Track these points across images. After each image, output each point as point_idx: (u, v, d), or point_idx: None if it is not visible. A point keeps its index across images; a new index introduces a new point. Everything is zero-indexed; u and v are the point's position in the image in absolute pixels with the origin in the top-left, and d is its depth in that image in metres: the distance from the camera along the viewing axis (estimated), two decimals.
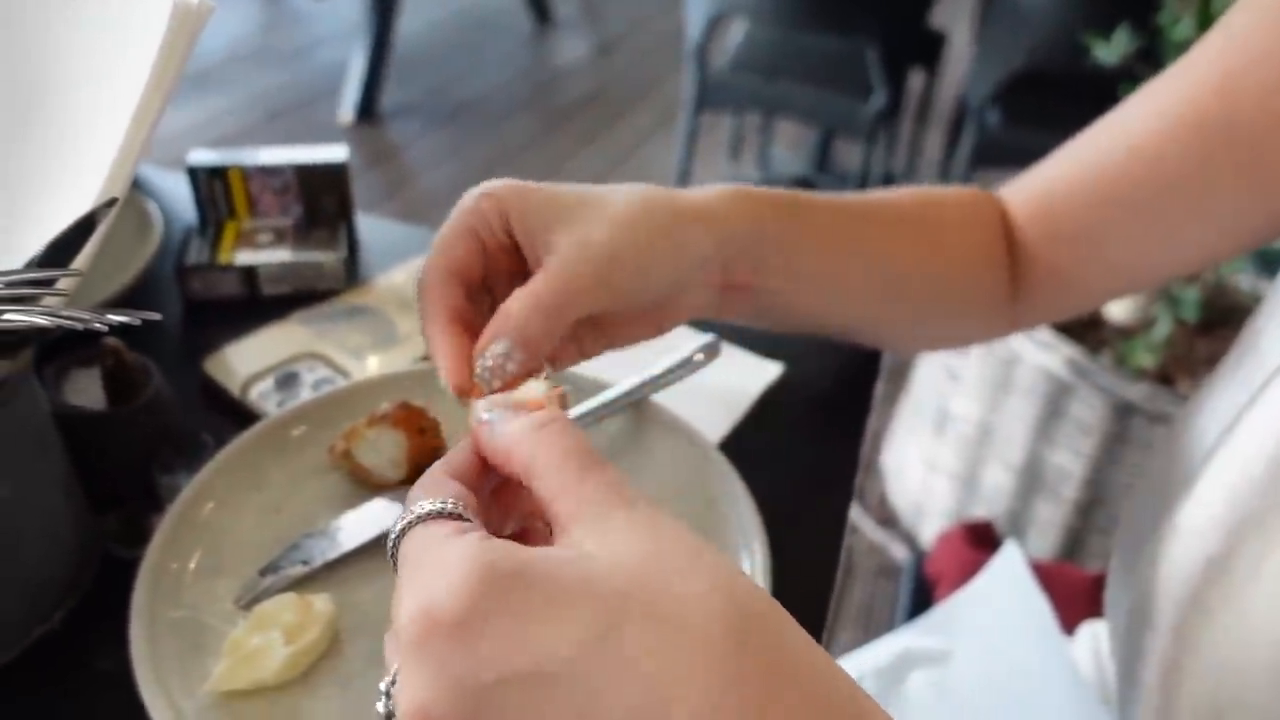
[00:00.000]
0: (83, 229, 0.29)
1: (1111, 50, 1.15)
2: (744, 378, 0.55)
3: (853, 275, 0.45)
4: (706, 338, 0.51)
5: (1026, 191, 0.50)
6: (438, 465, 0.28)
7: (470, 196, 0.37)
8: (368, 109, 2.99)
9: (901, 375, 1.87)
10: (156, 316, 0.29)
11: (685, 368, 0.50)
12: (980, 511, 1.51)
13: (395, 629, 0.23)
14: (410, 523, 0.25)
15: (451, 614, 0.22)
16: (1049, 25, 1.63)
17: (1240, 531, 0.31)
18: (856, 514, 1.68)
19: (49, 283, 0.29)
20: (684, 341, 0.50)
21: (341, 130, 2.94)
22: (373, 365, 0.55)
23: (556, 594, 0.22)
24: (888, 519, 1.68)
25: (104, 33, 0.32)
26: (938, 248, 0.48)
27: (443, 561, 0.23)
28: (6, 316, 0.27)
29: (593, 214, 0.36)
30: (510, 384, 0.32)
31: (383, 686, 0.24)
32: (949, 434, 1.54)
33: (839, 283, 0.45)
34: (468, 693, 0.21)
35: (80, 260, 0.29)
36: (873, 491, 1.74)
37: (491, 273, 0.37)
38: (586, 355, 0.40)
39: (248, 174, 0.63)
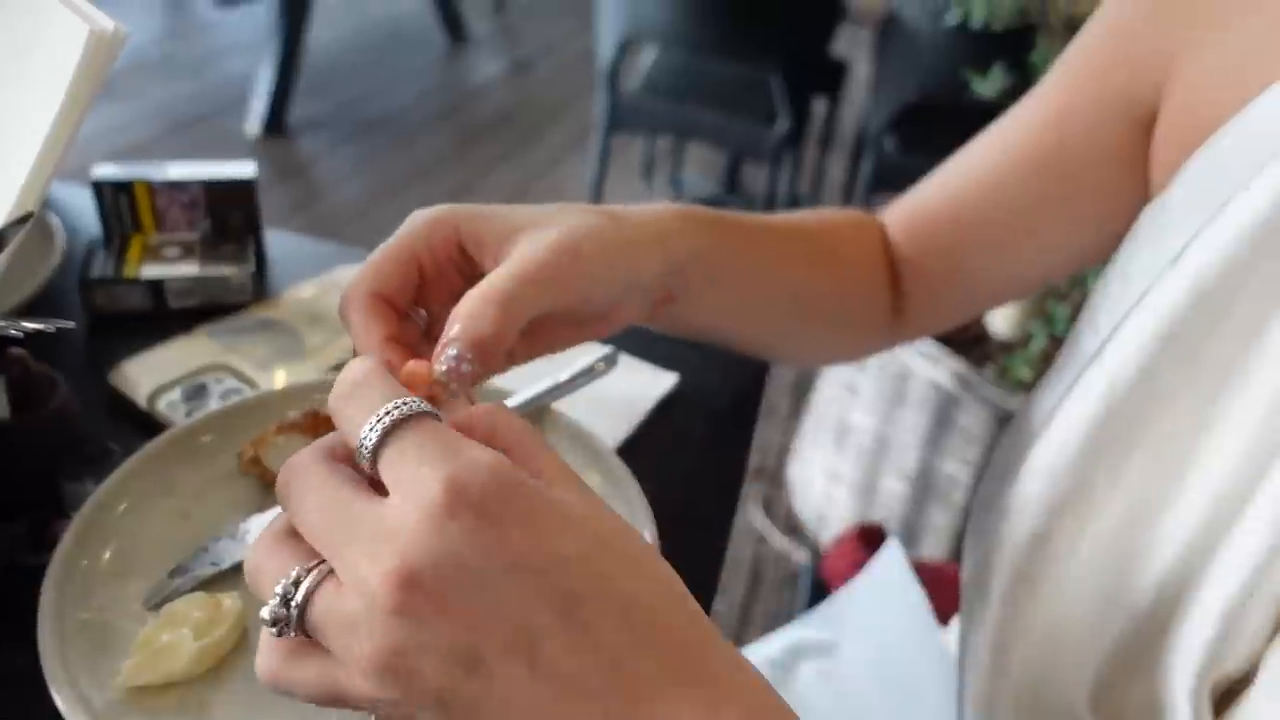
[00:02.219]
0: (3, 239, 0.30)
1: (989, 85, 1.23)
2: (641, 387, 0.58)
3: (761, 293, 0.48)
4: (605, 349, 0.54)
5: (900, 214, 0.55)
6: (373, 369, 0.28)
7: (416, 219, 0.37)
8: (275, 122, 2.94)
9: (805, 392, 1.94)
10: (70, 324, 0.31)
11: (585, 376, 0.53)
12: (879, 519, 1.58)
13: (417, 495, 0.24)
14: (398, 420, 0.25)
15: (477, 494, 0.23)
16: (937, 61, 1.73)
17: (1058, 510, 0.35)
18: (764, 525, 1.74)
19: None
20: (583, 352, 0.53)
21: (248, 143, 2.88)
22: (280, 378, 0.56)
23: (563, 511, 0.25)
24: (794, 528, 1.74)
25: (18, 56, 0.33)
26: (833, 267, 0.52)
27: (459, 463, 0.24)
28: None
29: (550, 222, 0.37)
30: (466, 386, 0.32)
31: (281, 588, 0.25)
32: (849, 446, 1.61)
33: (749, 300, 0.48)
34: (468, 571, 0.23)
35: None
36: (779, 503, 1.80)
37: (431, 295, 0.37)
38: (515, 362, 0.40)
39: (154, 188, 0.63)
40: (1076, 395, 0.35)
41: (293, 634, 0.25)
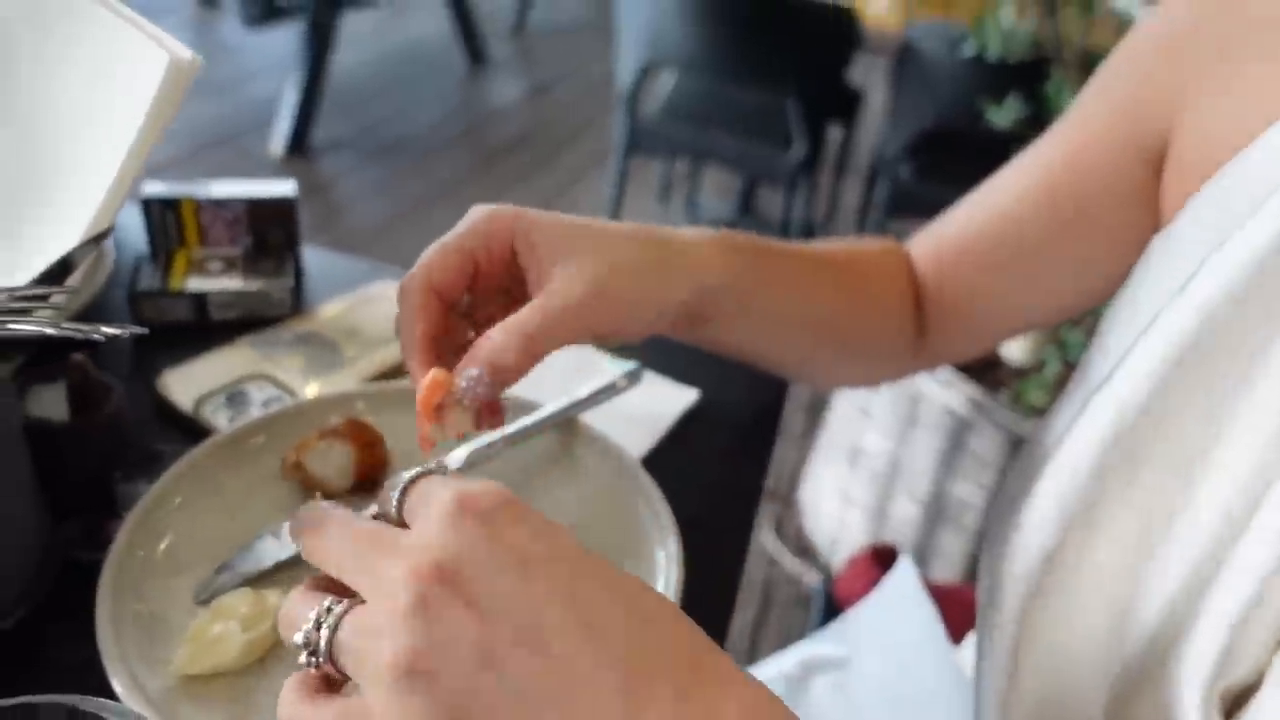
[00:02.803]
0: (84, 251, 0.33)
1: (1004, 115, 1.26)
2: (664, 403, 0.60)
3: (790, 318, 0.51)
4: (630, 365, 0.56)
5: (925, 244, 0.57)
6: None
7: (478, 217, 0.39)
8: (299, 143, 2.99)
9: (819, 412, 1.96)
10: (144, 331, 0.33)
11: (610, 391, 0.55)
12: (891, 541, 1.59)
13: (429, 504, 0.27)
14: (419, 474, 0.29)
15: (485, 504, 0.26)
16: (953, 90, 1.76)
17: (1069, 529, 0.37)
18: (776, 547, 1.74)
19: (45, 297, 0.32)
20: (608, 368, 0.56)
21: (272, 163, 2.94)
22: (318, 387, 0.58)
23: (564, 529, 0.27)
24: (805, 550, 1.74)
25: (99, 80, 0.36)
26: (860, 295, 0.54)
27: (467, 484, 0.27)
28: (10, 326, 0.30)
29: (590, 252, 0.39)
30: (483, 403, 0.36)
31: (315, 613, 0.27)
32: (861, 468, 1.62)
33: (776, 326, 0.50)
34: (483, 567, 0.25)
35: (73, 280, 0.33)
36: (791, 524, 1.81)
37: (481, 286, 0.40)
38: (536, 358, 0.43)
39: (200, 206, 0.66)
40: (1086, 418, 0.37)
41: (321, 661, 0.26)
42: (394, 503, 0.29)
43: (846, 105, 2.48)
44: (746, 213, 2.84)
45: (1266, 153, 0.37)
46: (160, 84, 0.34)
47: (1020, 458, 0.45)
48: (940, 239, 0.56)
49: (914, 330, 0.57)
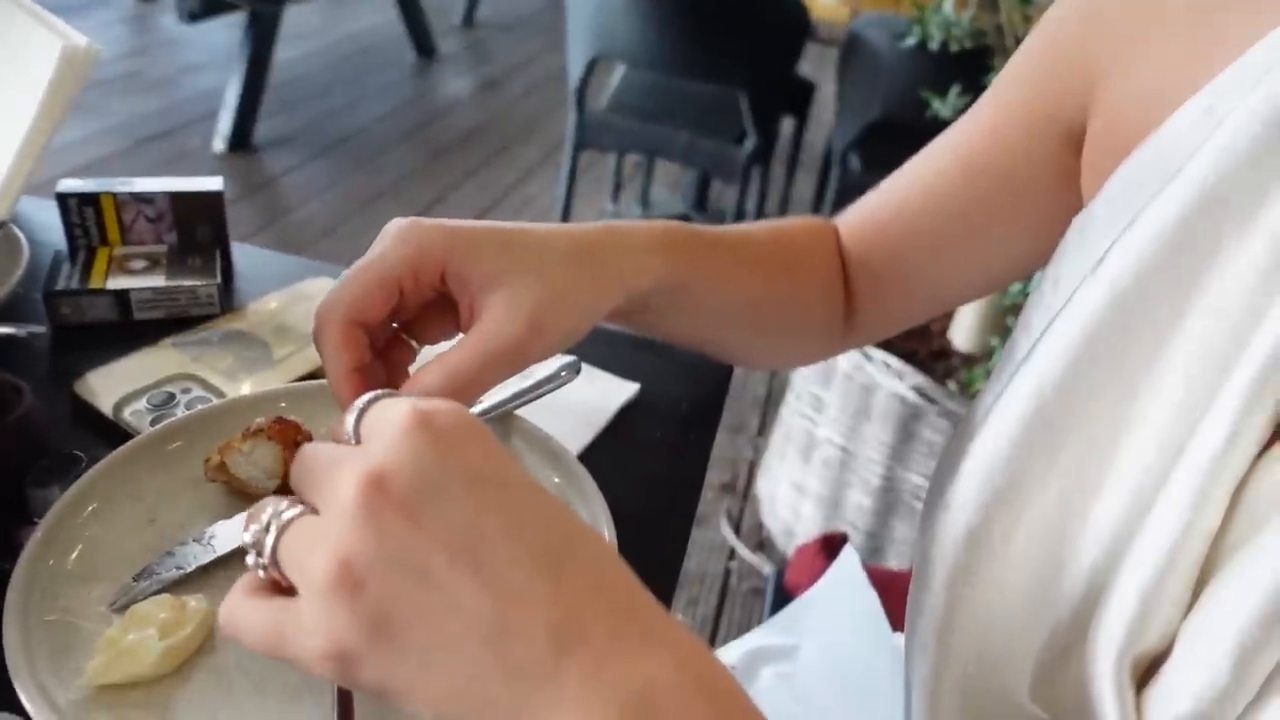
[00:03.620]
0: None
1: (947, 105, 1.27)
2: (604, 396, 0.59)
3: (724, 307, 0.51)
4: (568, 359, 0.55)
5: (852, 220, 0.57)
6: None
7: (402, 244, 0.37)
8: (242, 138, 2.94)
9: (775, 406, 1.97)
10: (42, 329, 0.31)
11: (549, 384, 0.54)
12: (844, 531, 1.60)
13: (389, 416, 0.27)
14: (374, 398, 0.29)
15: (441, 420, 0.26)
16: (899, 82, 1.77)
17: (993, 505, 0.37)
18: (733, 540, 1.75)
19: None
20: (548, 361, 0.55)
21: (214, 159, 2.87)
22: (247, 388, 0.57)
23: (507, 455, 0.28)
24: (763, 543, 1.75)
25: (17, 60, 0.34)
26: (790, 276, 0.54)
27: (426, 400, 0.27)
28: None
29: (525, 279, 0.38)
30: None
31: (267, 515, 0.27)
32: (815, 459, 1.63)
33: (710, 313, 0.50)
34: (429, 479, 0.25)
35: None
36: (749, 518, 1.82)
37: (409, 306, 0.39)
38: None
39: (120, 201, 0.64)
40: (1009, 395, 0.37)
41: (265, 562, 0.27)
42: (352, 425, 0.29)
43: (798, 97, 2.50)
44: (699, 207, 2.84)
45: (1174, 134, 0.37)
46: (55, 72, 0.33)
47: (951, 438, 0.46)
48: (866, 215, 0.56)
49: (844, 307, 0.57)
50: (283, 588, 0.27)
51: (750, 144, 2.16)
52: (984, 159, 0.50)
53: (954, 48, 1.27)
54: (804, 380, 1.65)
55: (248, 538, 0.27)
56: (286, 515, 0.27)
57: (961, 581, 0.37)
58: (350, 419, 0.29)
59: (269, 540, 0.27)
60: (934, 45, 1.29)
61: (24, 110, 0.33)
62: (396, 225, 0.39)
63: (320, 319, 0.37)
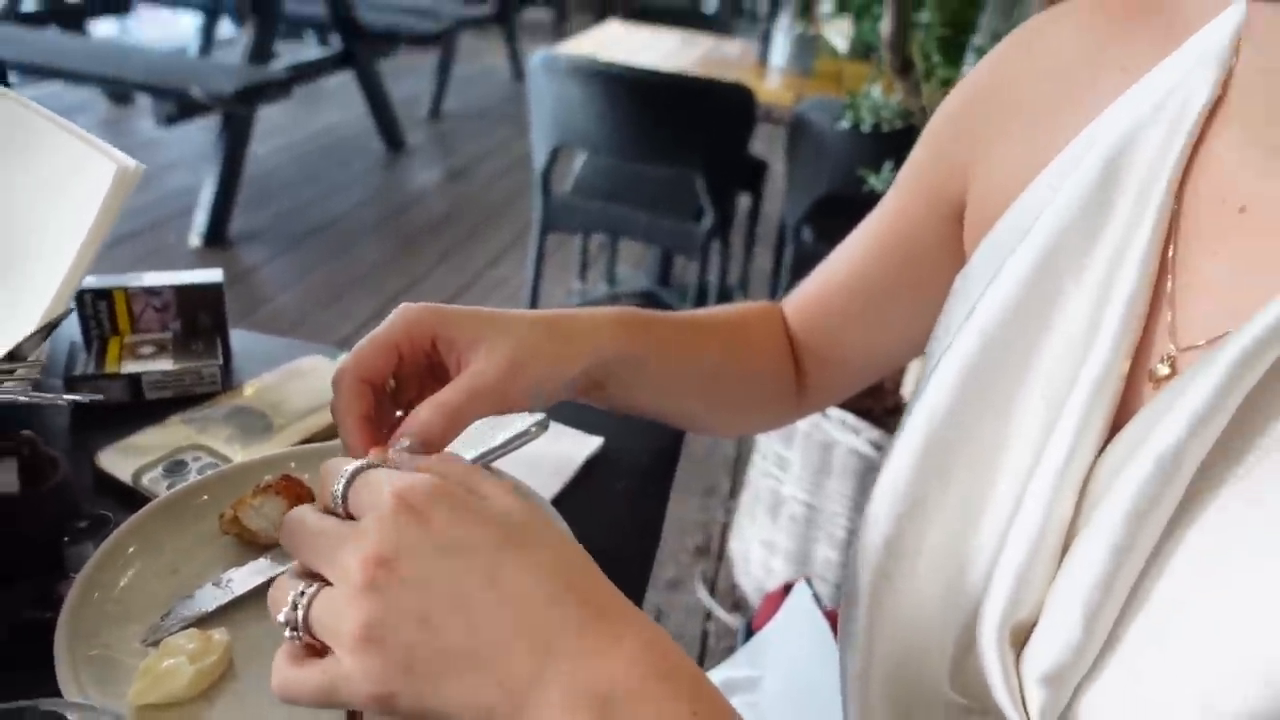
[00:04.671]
0: (44, 333, 0.38)
1: (880, 181, 1.38)
2: (571, 450, 0.66)
3: (680, 379, 0.58)
4: (538, 416, 0.63)
5: (793, 300, 0.65)
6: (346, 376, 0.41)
7: (400, 315, 0.46)
8: (217, 233, 3.02)
9: (744, 467, 2.03)
10: (99, 397, 0.38)
11: (521, 439, 0.61)
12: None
13: (372, 503, 0.33)
14: (359, 468, 0.35)
15: (417, 499, 0.33)
16: (840, 159, 1.90)
17: (902, 520, 0.44)
18: (708, 601, 1.80)
19: (10, 372, 0.37)
20: (518, 419, 0.62)
21: (190, 254, 2.95)
22: (249, 454, 0.63)
23: (483, 509, 0.34)
24: (738, 603, 1.80)
25: (51, 189, 0.42)
26: (742, 352, 0.61)
27: (403, 479, 0.34)
28: None
29: (500, 337, 0.46)
30: None
31: (291, 597, 0.33)
32: (782, 517, 1.70)
33: (670, 385, 0.57)
34: (412, 552, 0.32)
35: (36, 356, 0.38)
36: (724, 579, 1.87)
37: (405, 373, 0.46)
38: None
39: (131, 294, 0.71)
40: (908, 426, 0.45)
41: (300, 634, 0.33)
42: (339, 495, 0.35)
43: (752, 175, 2.63)
44: (664, 283, 2.95)
45: (1025, 206, 0.46)
46: (109, 190, 0.40)
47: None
48: (804, 296, 0.64)
49: (794, 379, 0.64)
50: (318, 650, 0.34)
51: (708, 221, 2.27)
52: (894, 236, 0.59)
53: (885, 128, 1.38)
54: (768, 441, 1.72)
55: (281, 619, 0.34)
56: (308, 593, 0.33)
57: (883, 588, 0.44)
58: (339, 485, 0.35)
59: (300, 616, 0.33)
60: (866, 128, 1.41)
61: (80, 222, 0.41)
62: (401, 306, 0.47)
63: (336, 378, 0.44)
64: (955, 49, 1.24)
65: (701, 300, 2.65)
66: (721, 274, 2.82)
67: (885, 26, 1.14)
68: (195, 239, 2.99)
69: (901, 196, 0.59)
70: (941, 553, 0.44)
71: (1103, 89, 0.45)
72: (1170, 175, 0.40)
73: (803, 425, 1.59)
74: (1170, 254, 0.40)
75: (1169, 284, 0.40)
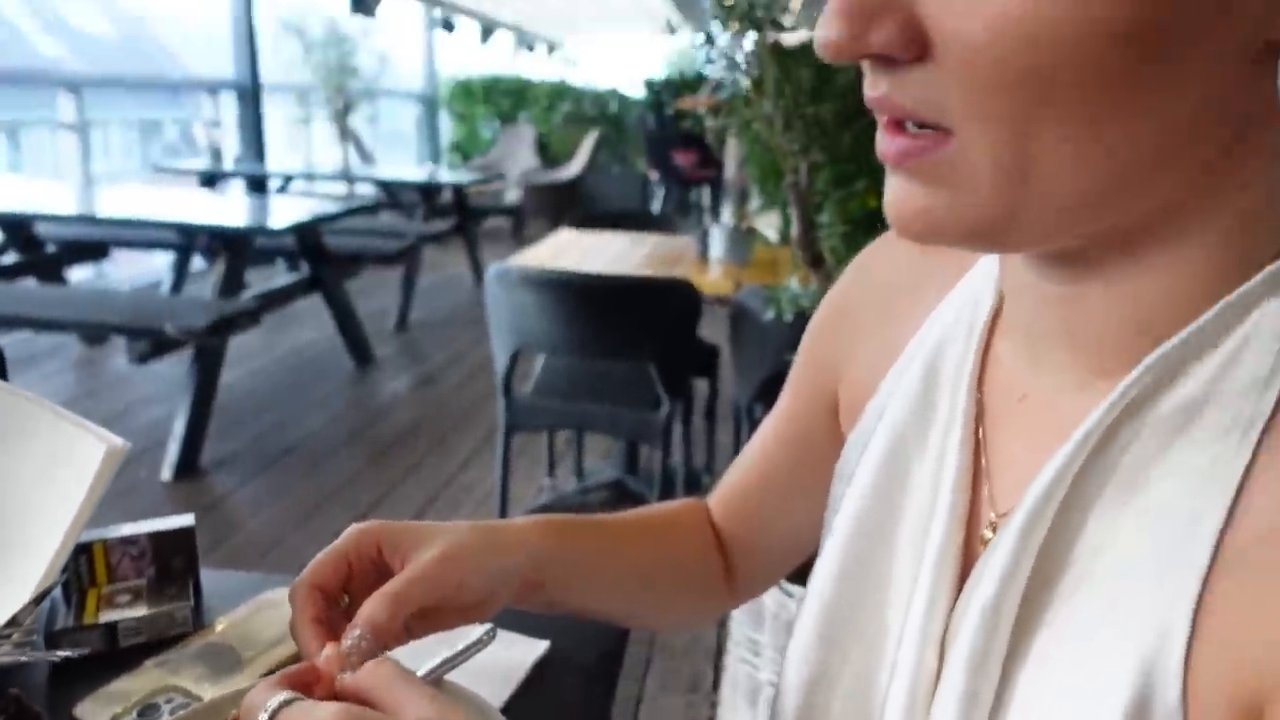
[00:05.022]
0: (37, 601, 0.44)
1: None
2: (519, 655, 0.71)
3: (612, 577, 0.63)
4: (486, 626, 0.68)
5: (716, 498, 0.72)
6: (270, 679, 0.42)
7: (349, 533, 0.52)
8: (189, 464, 3.07)
9: (719, 660, 2.03)
10: (85, 650, 0.44)
11: (473, 649, 0.66)
12: None
13: None
14: (281, 703, 0.39)
15: None
16: (780, 341, 2.03)
17: (811, 687, 0.50)
18: None
19: (7, 637, 0.43)
20: (469, 631, 0.67)
21: (162, 487, 2.98)
22: (220, 689, 0.67)
23: None
24: None
25: (51, 470, 0.49)
26: (670, 548, 0.67)
27: (323, 707, 0.38)
28: None
29: (437, 540, 0.52)
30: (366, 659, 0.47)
31: None
32: (760, 703, 1.69)
33: (604, 584, 0.63)
34: None
35: (30, 621, 0.44)
36: None
37: (357, 586, 0.52)
38: (415, 637, 0.52)
39: (109, 546, 0.77)
40: (805, 604, 0.52)
41: None
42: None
43: (706, 360, 2.78)
44: (632, 471, 3.02)
45: (880, 397, 0.54)
46: (98, 468, 0.48)
47: None
48: (724, 490, 0.71)
49: (722, 570, 0.70)
50: None
51: (665, 409, 2.38)
52: (789, 433, 0.67)
53: (807, 315, 1.51)
54: (739, 626, 1.74)
55: None
56: None
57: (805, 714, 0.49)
58: (263, 717, 0.39)
59: None
60: (788, 317, 1.54)
61: (71, 498, 0.48)
62: (352, 525, 0.53)
63: (291, 591, 0.50)
64: (856, 244, 1.38)
65: (669, 484, 2.71)
66: (686, 457, 2.90)
67: (794, 228, 1.29)
68: (167, 472, 3.03)
69: (791, 397, 0.67)
70: (848, 716, 0.49)
71: (925, 302, 0.55)
72: (970, 374, 0.49)
73: (770, 605, 1.62)
74: (981, 437, 0.48)
75: (984, 462, 0.48)
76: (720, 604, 0.72)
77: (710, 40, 1.38)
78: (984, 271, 0.51)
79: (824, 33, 0.34)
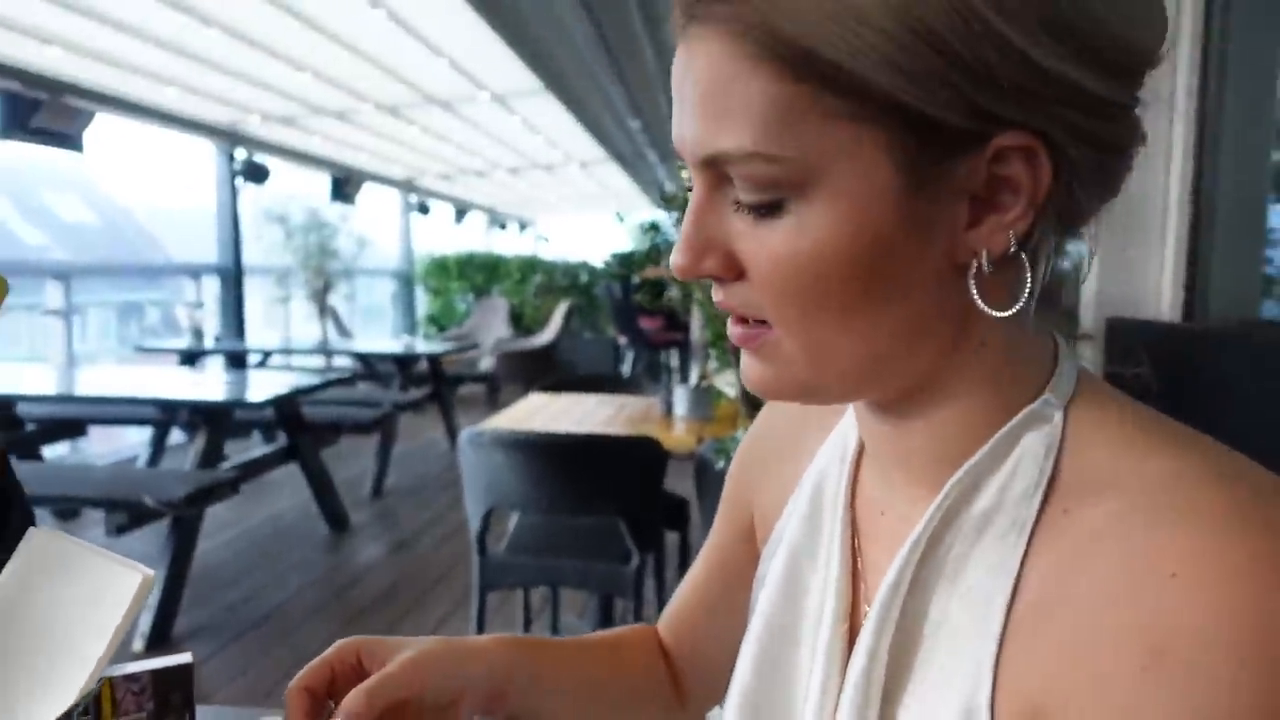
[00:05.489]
0: (75, 710, 0.53)
1: None
2: None
3: (571, 692, 0.72)
4: None
5: (663, 621, 0.81)
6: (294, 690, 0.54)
7: (335, 645, 0.61)
8: (161, 634, 3.05)
9: None
10: None
11: None
12: None
13: None
14: None
15: None
16: None
17: None
18: None
19: None
20: None
21: (133, 657, 2.94)
22: None
23: None
24: None
25: (94, 598, 0.59)
26: (623, 666, 0.76)
27: None
28: None
29: (409, 649, 0.62)
30: None
31: None
32: None
33: (562, 698, 0.71)
34: None
35: None
36: None
37: (340, 689, 0.60)
38: None
39: (114, 683, 0.85)
40: (728, 700, 0.61)
41: None
42: None
43: (676, 513, 2.87)
44: (606, 623, 3.04)
45: (783, 518, 0.66)
46: (133, 595, 0.58)
47: None
48: (669, 615, 0.81)
49: (672, 688, 0.79)
50: None
51: (635, 561, 2.45)
52: (719, 560, 0.76)
53: None
54: None
55: None
56: None
57: None
58: None
59: None
60: None
61: (107, 623, 0.58)
62: (339, 640, 0.63)
63: (288, 690, 0.59)
64: None
65: None
66: (659, 609, 2.91)
67: (735, 386, 1.42)
68: (139, 642, 3.01)
69: (719, 528, 0.78)
70: None
71: (813, 441, 0.67)
72: (844, 496, 0.60)
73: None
74: (856, 545, 0.60)
75: (860, 565, 0.59)
76: (672, 718, 0.80)
77: (655, 227, 1.57)
78: (851, 417, 0.63)
79: (674, 260, 0.49)
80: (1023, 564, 0.47)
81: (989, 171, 0.44)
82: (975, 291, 0.46)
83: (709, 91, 0.45)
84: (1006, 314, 0.46)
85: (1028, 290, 0.46)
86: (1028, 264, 0.46)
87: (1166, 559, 0.40)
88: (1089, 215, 0.48)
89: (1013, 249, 0.45)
